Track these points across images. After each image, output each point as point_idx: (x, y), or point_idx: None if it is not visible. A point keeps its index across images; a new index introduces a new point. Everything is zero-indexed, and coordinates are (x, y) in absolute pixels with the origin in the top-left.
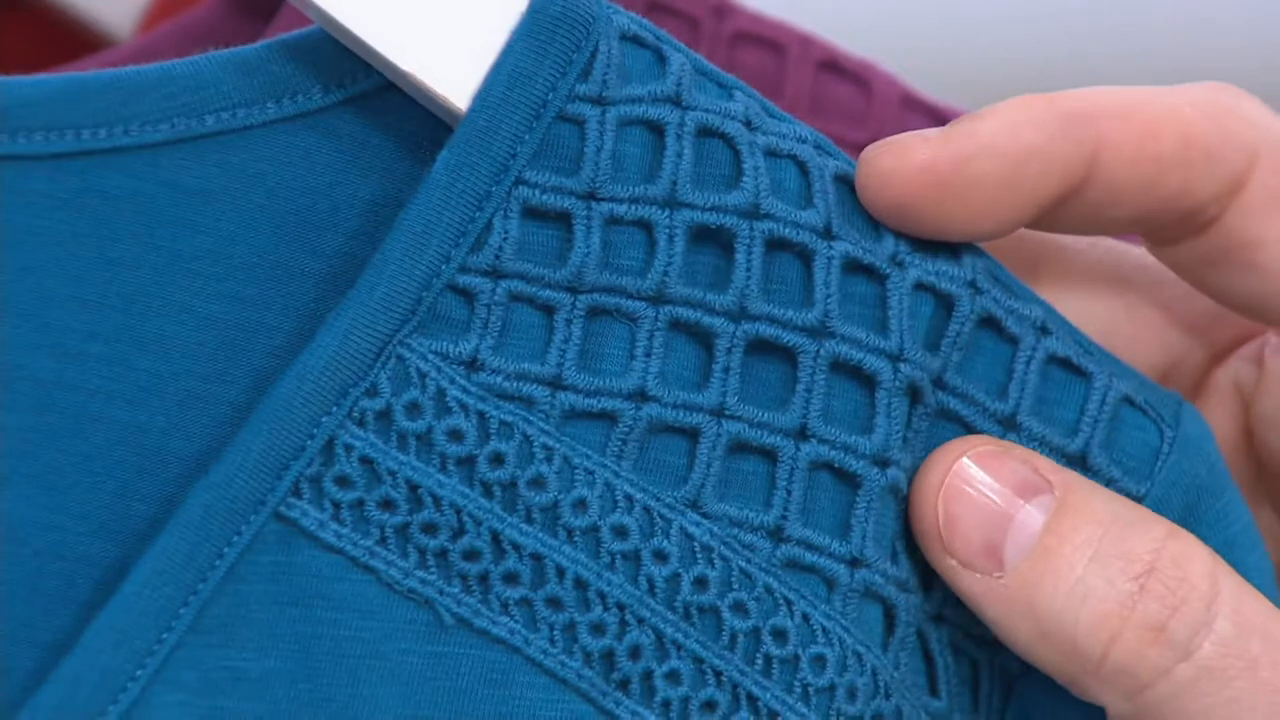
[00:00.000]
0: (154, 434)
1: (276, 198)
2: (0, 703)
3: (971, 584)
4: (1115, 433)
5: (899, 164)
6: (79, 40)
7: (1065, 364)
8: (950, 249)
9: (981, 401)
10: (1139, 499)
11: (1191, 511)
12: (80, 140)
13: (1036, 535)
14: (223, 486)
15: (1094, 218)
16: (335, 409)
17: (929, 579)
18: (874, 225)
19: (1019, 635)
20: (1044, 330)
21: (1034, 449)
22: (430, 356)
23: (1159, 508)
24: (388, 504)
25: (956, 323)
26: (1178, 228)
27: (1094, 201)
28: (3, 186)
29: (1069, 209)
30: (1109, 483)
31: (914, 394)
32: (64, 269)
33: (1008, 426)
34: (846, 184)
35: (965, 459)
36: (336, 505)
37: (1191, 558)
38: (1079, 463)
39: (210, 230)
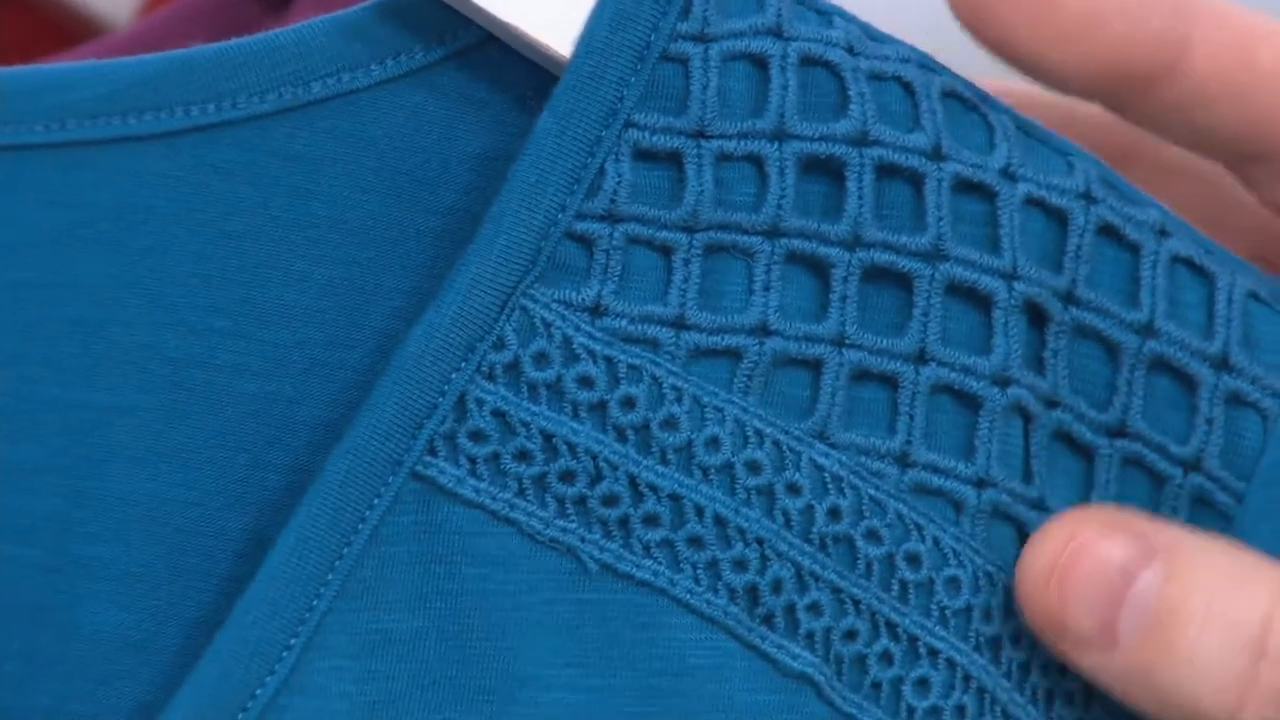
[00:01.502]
0: (282, 404)
1: (387, 159)
2: (151, 682)
3: (1090, 663)
4: (1249, 329)
5: None
6: (75, 31)
7: (1189, 264)
8: (1064, 158)
9: (1116, 312)
10: None
11: None
12: (190, 116)
13: (1150, 609)
14: (359, 451)
15: (1187, 119)
16: (464, 365)
17: (1086, 498)
18: (988, 136)
19: (1143, 706)
20: (1164, 233)
21: (1174, 354)
22: (554, 305)
23: None
24: (523, 455)
25: (1075, 235)
26: (1273, 163)
27: (1185, 95)
28: (118, 169)
29: (1158, 96)
30: (1252, 381)
31: (1036, 312)
32: (183, 246)
33: (1145, 334)
34: (955, 99)
35: (1076, 540)
36: (472, 460)
37: None
38: (1221, 364)
39: (324, 196)
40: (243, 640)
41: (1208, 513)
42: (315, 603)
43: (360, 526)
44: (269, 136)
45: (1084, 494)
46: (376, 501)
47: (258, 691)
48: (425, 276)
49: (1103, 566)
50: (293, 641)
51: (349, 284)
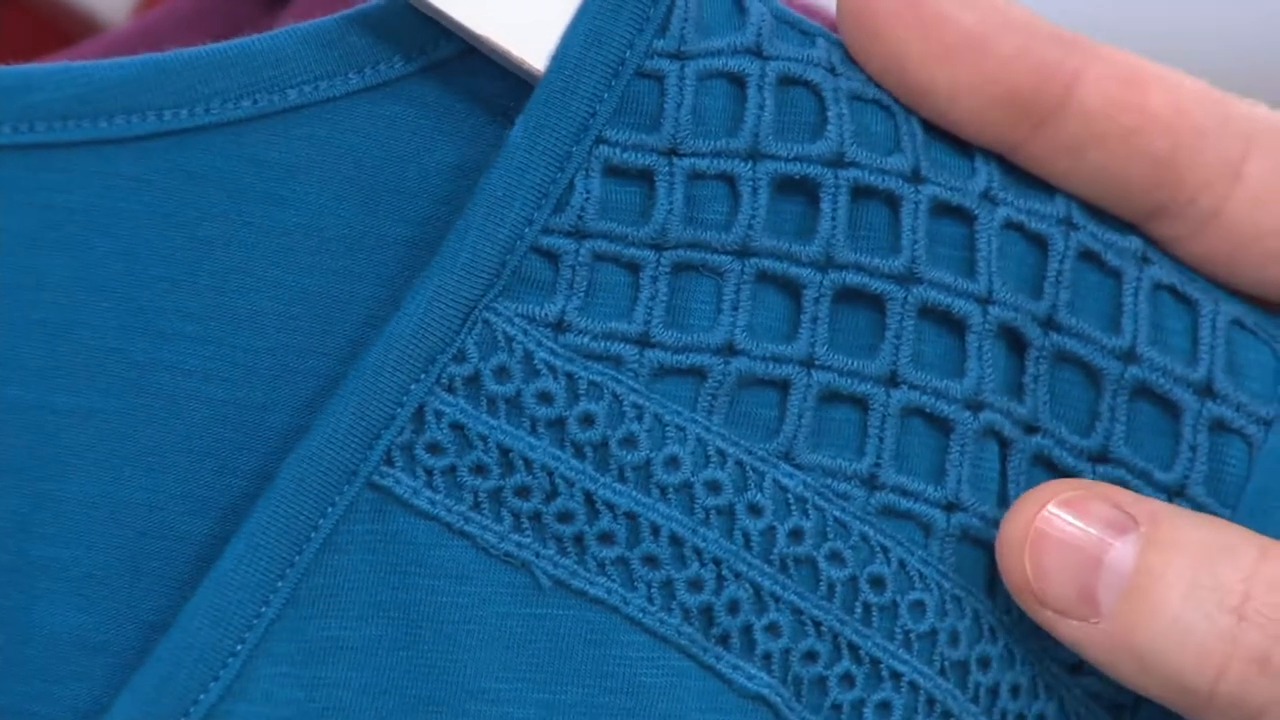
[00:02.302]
0: (251, 410)
1: (363, 168)
2: (108, 683)
3: (1070, 631)
4: (1233, 356)
5: None
6: (72, 30)
7: (1172, 291)
8: (1045, 184)
9: (1097, 338)
10: (1268, 421)
11: None
12: (163, 121)
13: (1129, 575)
14: (315, 459)
15: (1079, 162)
16: (424, 376)
17: None
18: (969, 160)
19: (1125, 674)
20: (1145, 260)
21: (1157, 380)
22: (517, 320)
23: None
24: (480, 469)
25: (1055, 261)
26: (1177, 218)
27: (1076, 133)
28: (89, 171)
29: (1050, 134)
30: (1237, 407)
31: (1014, 337)
32: (154, 250)
33: (1128, 360)
34: None
35: (1049, 507)
36: (429, 472)
37: None
38: (1205, 391)
39: (298, 204)
40: (186, 645)
41: None
42: (263, 609)
43: (313, 534)
44: (243, 142)
45: None
46: (330, 510)
47: (200, 697)
48: (399, 286)
49: (1078, 534)
50: (238, 648)
51: (321, 292)
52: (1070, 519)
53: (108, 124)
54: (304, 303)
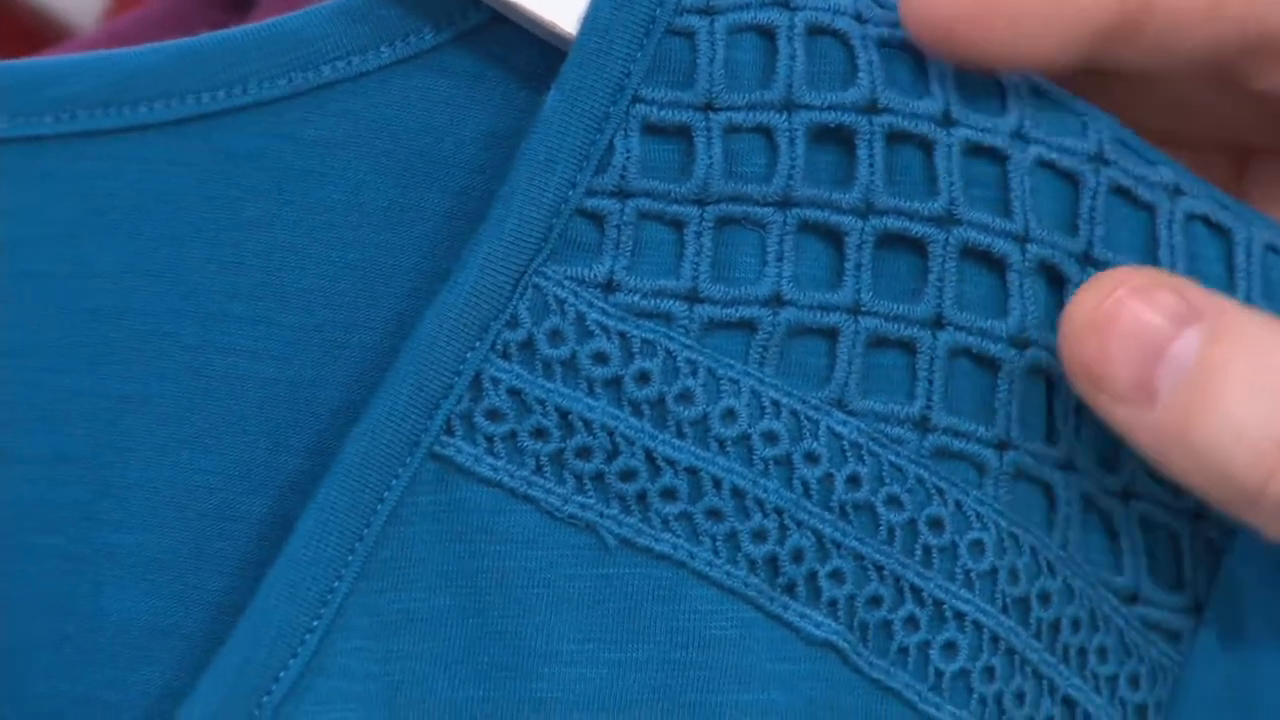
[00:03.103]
0: (303, 387)
1: (400, 140)
2: (178, 666)
3: (1125, 417)
4: (1269, 282)
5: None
6: (43, 34)
7: (1205, 221)
8: (1079, 119)
9: None
10: None
11: None
12: (200, 104)
13: (1190, 367)
14: (376, 432)
15: (1166, 50)
16: (479, 344)
17: (1115, 458)
18: (1000, 99)
19: (1174, 467)
20: (1178, 191)
21: None
22: (566, 283)
23: None
24: (540, 433)
25: (1087, 197)
26: (1261, 60)
27: (1160, 32)
28: (129, 157)
29: (1135, 42)
30: None
31: (1051, 273)
32: (198, 233)
33: None
34: None
35: (1118, 293)
36: (490, 439)
37: None
38: None
39: (338, 179)
40: (265, 624)
41: None
42: (336, 584)
43: (379, 507)
44: (281, 121)
45: (1115, 453)
46: (394, 482)
47: (281, 674)
48: (441, 257)
49: (1146, 320)
50: (315, 624)
51: (365, 266)
52: (1139, 306)
53: (147, 109)
54: (349, 277)
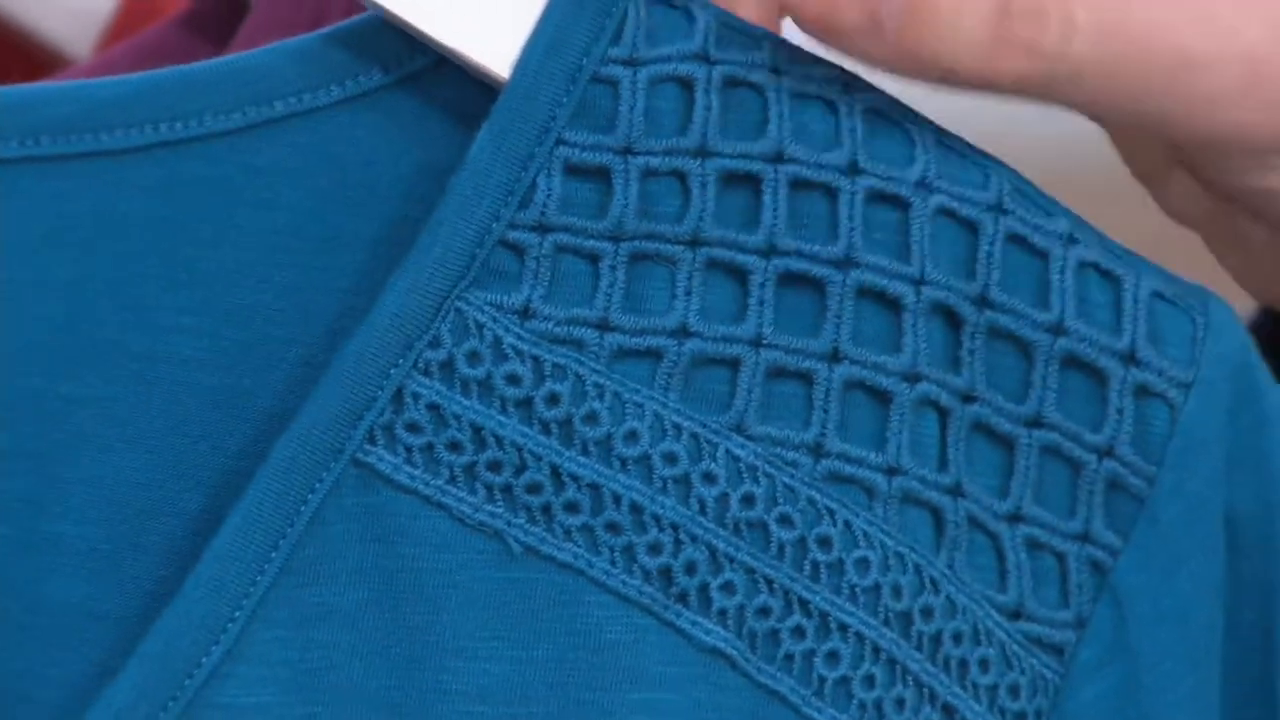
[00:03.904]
0: (242, 395)
1: (344, 172)
2: (114, 649)
3: (863, 49)
4: (1154, 326)
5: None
6: (42, 62)
7: (1095, 268)
8: (982, 170)
9: (1028, 314)
10: (1188, 385)
11: (1236, 390)
12: (159, 132)
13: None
14: (303, 439)
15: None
16: (402, 361)
17: (1005, 486)
18: (908, 151)
19: (913, 76)
20: (1072, 240)
21: (1084, 350)
22: (486, 308)
23: (1208, 391)
24: (455, 446)
25: (985, 244)
26: None
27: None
28: (90, 180)
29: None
30: (1159, 373)
31: (948, 315)
32: (153, 250)
33: (1056, 333)
34: (878, 115)
35: None
36: (409, 449)
37: None
38: (1129, 359)
39: (285, 206)
40: (189, 613)
41: (1121, 496)
42: (259, 578)
43: (303, 508)
44: (234, 150)
45: (1005, 480)
46: (319, 485)
47: (203, 660)
48: (374, 280)
49: None
50: (237, 614)
51: (304, 286)
52: None
53: (109, 136)
54: (289, 296)
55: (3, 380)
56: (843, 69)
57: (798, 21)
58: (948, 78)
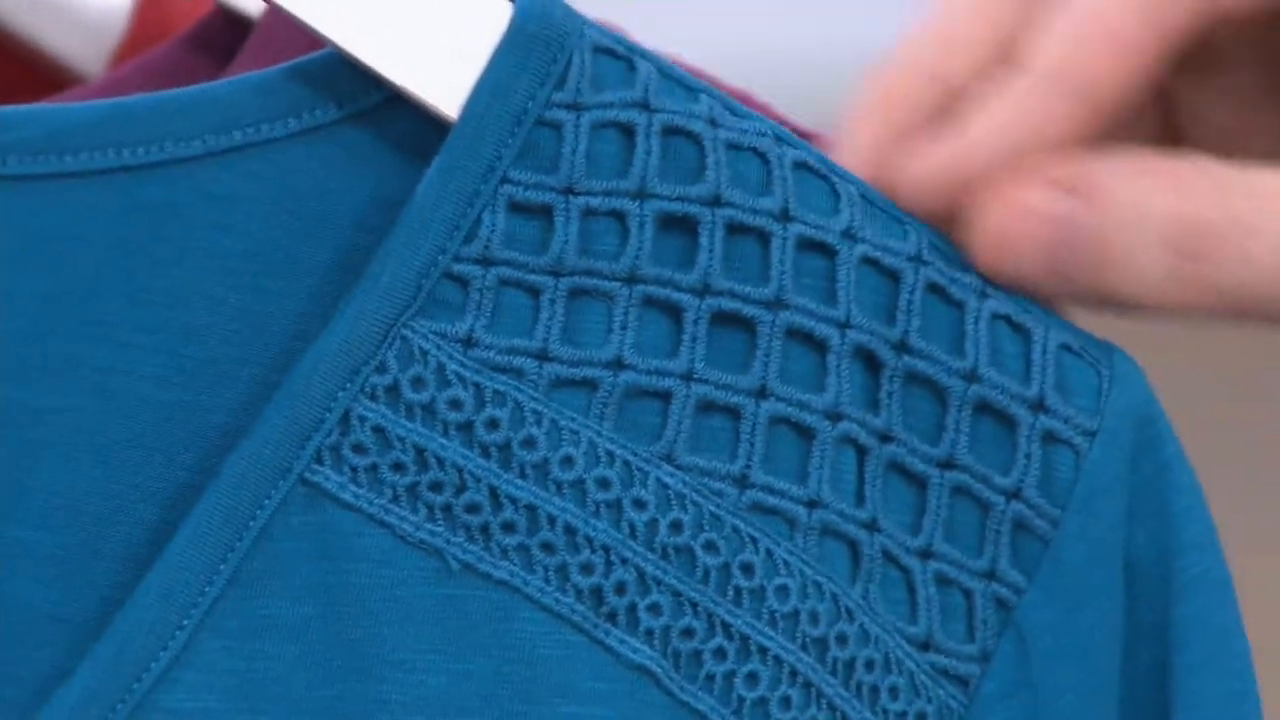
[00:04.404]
0: (197, 411)
1: (299, 200)
2: (70, 651)
3: (1049, 290)
4: (1062, 377)
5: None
6: (53, 78)
7: (1007, 320)
8: (900, 225)
9: (943, 360)
10: (1093, 433)
11: (1138, 439)
12: (121, 157)
13: (1083, 239)
14: (253, 457)
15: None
16: (349, 385)
17: (917, 523)
18: (834, 202)
19: (1095, 307)
20: (984, 294)
21: (996, 397)
22: (431, 336)
23: (1112, 439)
24: (398, 466)
25: (905, 292)
26: None
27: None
28: (55, 200)
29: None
30: (1065, 421)
31: (870, 358)
32: (115, 269)
33: (970, 379)
34: (806, 169)
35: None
36: (354, 469)
37: (1208, 211)
38: (1038, 406)
39: (241, 231)
40: (139, 619)
41: (1027, 536)
42: (207, 588)
43: (251, 524)
44: (194, 177)
45: (918, 517)
46: (267, 502)
47: (151, 665)
48: (327, 304)
49: (1039, 219)
50: (185, 622)
51: (258, 309)
52: (1026, 208)
53: (73, 159)
54: (243, 318)
55: None
56: (774, 124)
57: (973, 249)
58: (1131, 309)
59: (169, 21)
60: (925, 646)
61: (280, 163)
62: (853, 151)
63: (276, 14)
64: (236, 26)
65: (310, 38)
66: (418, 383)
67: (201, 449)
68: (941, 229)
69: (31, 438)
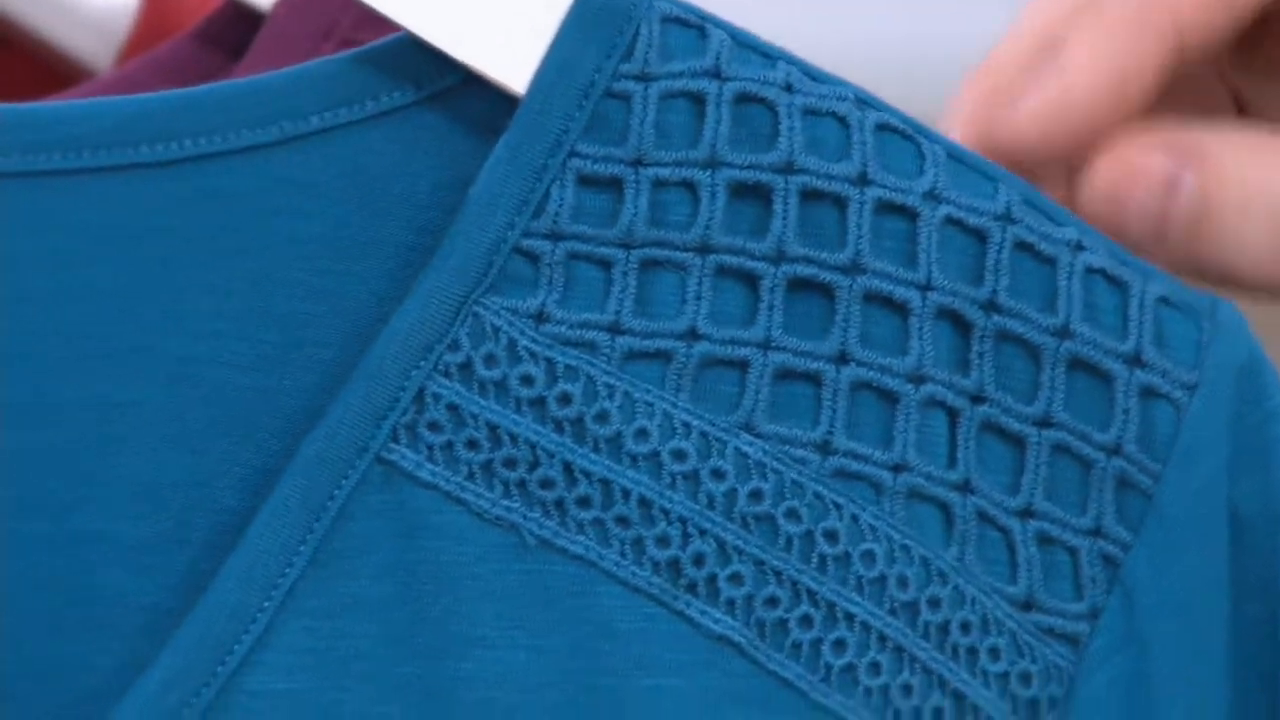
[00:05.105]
0: (280, 396)
1: (376, 183)
2: (157, 640)
3: (1148, 253)
4: (1160, 330)
5: (1012, 138)
6: (62, 74)
7: (1103, 274)
8: (991, 183)
9: (1034, 318)
10: (1192, 386)
11: (1241, 391)
12: (197, 146)
13: (1192, 209)
14: (330, 438)
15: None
16: (423, 363)
17: (1016, 483)
18: (918, 163)
19: (1191, 277)
20: (1079, 247)
21: (1090, 353)
22: (502, 312)
23: (1212, 391)
24: (472, 444)
25: (993, 251)
26: None
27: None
28: (129, 192)
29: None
30: (1163, 375)
31: (956, 319)
32: (189, 259)
33: (1062, 336)
34: (889, 130)
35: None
36: (429, 447)
37: None
38: (1135, 361)
39: (319, 215)
40: (221, 603)
41: (1130, 492)
42: (287, 570)
43: (329, 504)
44: (269, 163)
45: (1016, 477)
46: (344, 482)
47: (234, 648)
48: (404, 285)
49: (1148, 182)
50: (266, 604)
51: (339, 292)
52: (1140, 170)
53: (148, 149)
54: (324, 301)
55: (44, 385)
56: (856, 88)
57: (1081, 206)
58: (1230, 282)
59: (176, 17)
60: (1027, 606)
61: (357, 146)
62: (956, 118)
63: (287, 7)
64: (245, 20)
65: (322, 30)
66: (490, 359)
67: (285, 433)
68: (1047, 184)
69: (112, 431)
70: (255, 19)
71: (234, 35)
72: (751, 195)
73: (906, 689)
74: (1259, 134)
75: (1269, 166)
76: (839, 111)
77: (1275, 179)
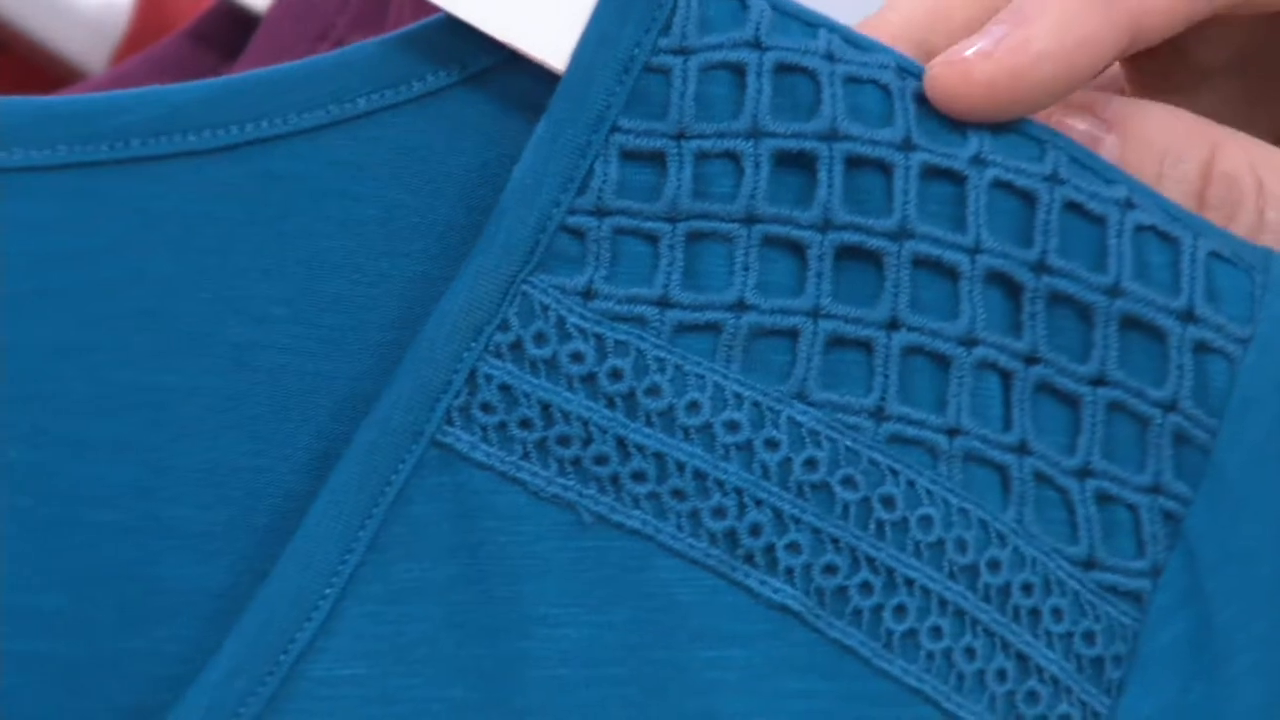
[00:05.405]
0: (339, 379)
1: (428, 163)
2: (218, 627)
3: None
4: (1212, 285)
5: (963, 86)
6: (56, 75)
7: (1154, 231)
8: (1038, 144)
9: (1084, 277)
10: (1246, 340)
11: None
12: (245, 131)
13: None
14: (385, 422)
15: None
16: (474, 344)
17: (1072, 443)
18: (960, 129)
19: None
20: (1129, 205)
21: (1142, 310)
22: (551, 290)
23: (1267, 344)
24: (525, 423)
25: (1041, 213)
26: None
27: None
28: (181, 179)
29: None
30: (1217, 329)
31: (1006, 281)
32: (244, 244)
33: (1114, 294)
34: None
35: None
36: (484, 428)
37: (1237, 164)
38: (1187, 317)
39: (371, 197)
40: (283, 591)
41: (1188, 448)
42: (348, 556)
43: (387, 489)
44: (318, 146)
45: (1073, 437)
46: (401, 466)
47: (297, 635)
48: (454, 266)
49: (1075, 140)
50: (327, 590)
51: (395, 273)
52: (1065, 130)
53: (196, 137)
54: (380, 284)
55: (106, 374)
56: (899, 55)
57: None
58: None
59: (170, 17)
60: (1089, 565)
61: (404, 127)
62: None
63: (283, 8)
64: (239, 20)
65: (318, 31)
66: (540, 338)
67: (343, 416)
68: None
69: (173, 418)
70: (247, 19)
71: (228, 35)
72: (795, 164)
73: (969, 652)
74: (1178, 110)
75: (1182, 142)
76: (881, 79)
77: (1186, 158)
